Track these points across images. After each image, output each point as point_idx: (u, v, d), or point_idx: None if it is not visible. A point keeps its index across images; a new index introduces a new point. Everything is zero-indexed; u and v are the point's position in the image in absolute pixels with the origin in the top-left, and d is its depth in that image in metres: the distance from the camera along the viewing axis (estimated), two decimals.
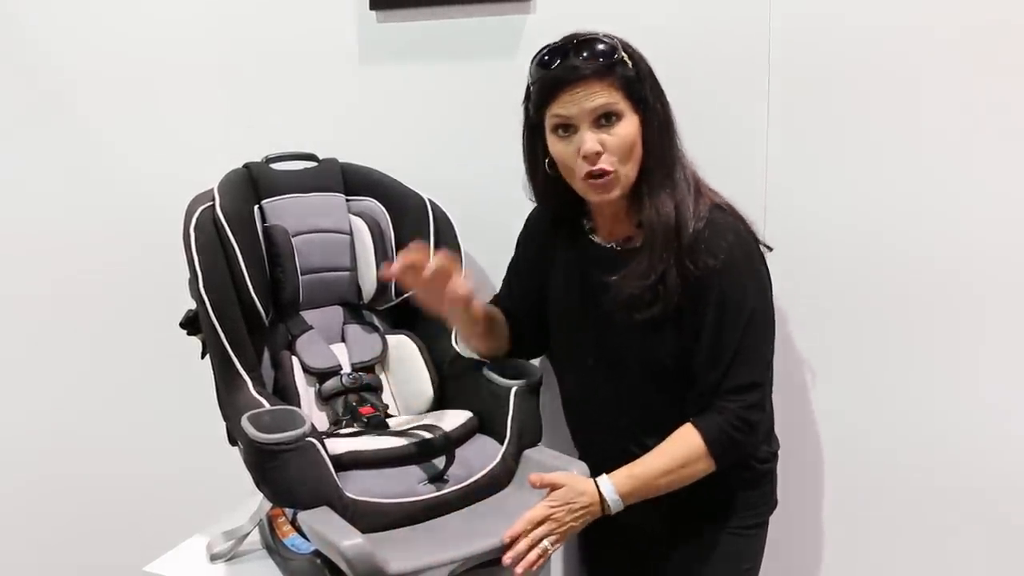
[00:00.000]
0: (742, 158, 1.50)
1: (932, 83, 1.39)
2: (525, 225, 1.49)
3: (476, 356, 1.48)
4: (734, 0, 1.47)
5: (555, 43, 1.25)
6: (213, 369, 1.37)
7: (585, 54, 1.21)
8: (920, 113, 1.40)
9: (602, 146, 1.22)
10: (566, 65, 1.22)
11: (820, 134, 1.47)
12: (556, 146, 1.27)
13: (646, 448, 1.29)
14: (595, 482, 1.25)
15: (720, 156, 1.41)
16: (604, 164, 1.23)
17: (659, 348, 1.30)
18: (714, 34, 1.49)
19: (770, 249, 1.34)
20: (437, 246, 1.55)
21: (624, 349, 1.33)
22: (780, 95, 1.47)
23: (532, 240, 1.48)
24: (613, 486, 1.25)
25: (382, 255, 1.57)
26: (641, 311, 1.27)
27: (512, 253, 1.52)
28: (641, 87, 1.24)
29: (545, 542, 1.21)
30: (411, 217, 1.58)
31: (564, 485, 1.24)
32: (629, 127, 1.23)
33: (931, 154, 1.41)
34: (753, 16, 1.46)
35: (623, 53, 1.23)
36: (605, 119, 1.22)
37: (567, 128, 1.24)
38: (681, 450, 1.26)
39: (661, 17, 1.51)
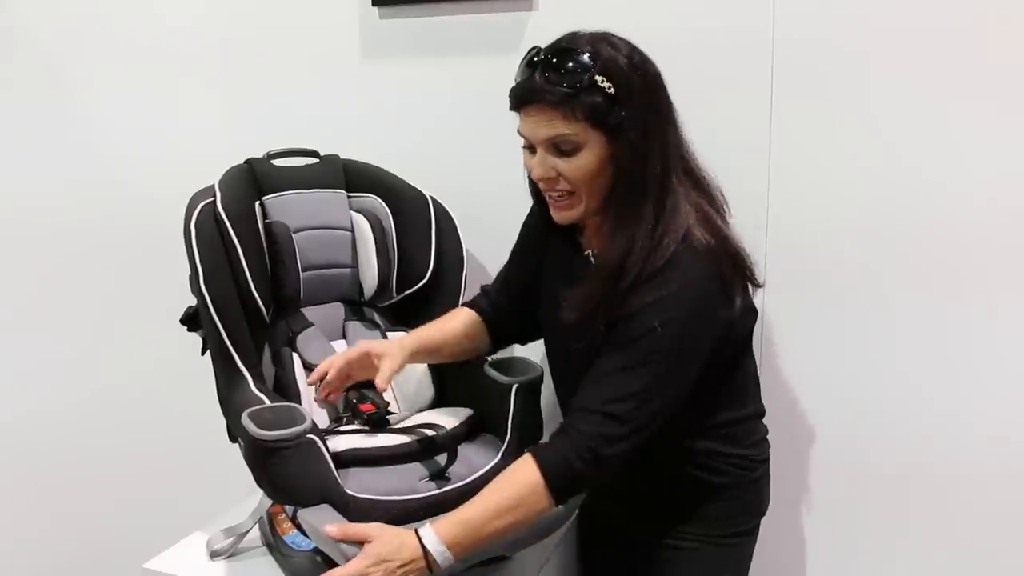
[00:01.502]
0: (745, 156, 1.50)
1: (938, 78, 1.39)
2: (531, 213, 1.43)
3: None
4: None
5: (537, 50, 1.17)
6: (213, 365, 1.36)
7: (551, 75, 1.12)
8: (924, 109, 1.40)
9: (556, 171, 1.16)
10: (529, 85, 1.14)
11: (824, 132, 1.46)
12: (525, 156, 1.22)
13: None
14: (416, 533, 1.11)
15: (722, 155, 1.40)
16: (561, 187, 1.18)
17: None
18: (717, 30, 1.49)
19: (758, 285, 1.26)
20: (439, 243, 1.55)
21: (577, 371, 1.22)
22: (784, 89, 1.47)
23: (533, 229, 1.43)
24: (437, 537, 1.10)
25: (384, 252, 1.57)
26: (574, 340, 1.21)
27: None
28: (612, 113, 1.12)
29: None
30: (413, 214, 1.58)
31: (373, 538, 1.11)
32: (588, 158, 1.14)
33: (935, 150, 1.40)
34: (757, 8, 1.46)
35: (598, 76, 1.11)
36: (562, 146, 1.15)
37: (530, 145, 1.19)
38: (514, 488, 1.14)
39: (663, 12, 1.51)
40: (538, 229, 1.39)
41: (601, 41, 1.15)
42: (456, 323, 1.43)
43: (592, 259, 1.27)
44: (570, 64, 1.12)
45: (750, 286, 1.25)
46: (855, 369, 1.51)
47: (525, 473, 1.14)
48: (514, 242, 1.49)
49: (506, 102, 1.25)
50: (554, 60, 1.13)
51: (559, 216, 1.22)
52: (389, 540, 1.11)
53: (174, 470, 2.10)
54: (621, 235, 1.16)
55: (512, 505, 1.13)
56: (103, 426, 2.17)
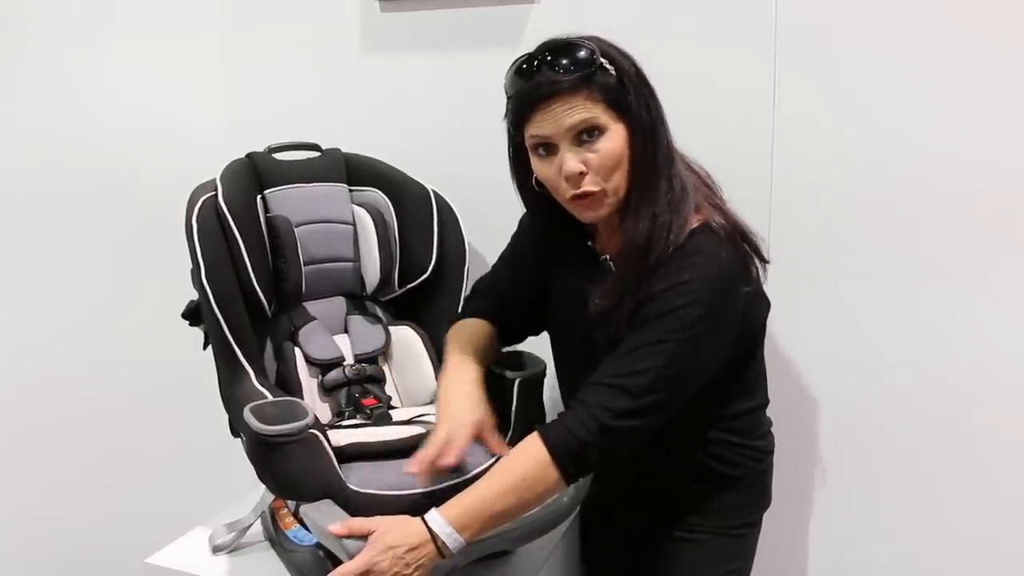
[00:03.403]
0: (747, 151, 1.49)
1: (942, 69, 1.38)
2: (535, 217, 1.39)
3: None
4: None
5: (527, 54, 1.16)
6: (215, 360, 1.36)
7: (559, 65, 1.11)
8: (925, 95, 1.39)
9: (585, 165, 1.13)
10: (539, 80, 1.12)
11: (826, 126, 1.45)
12: (538, 166, 1.18)
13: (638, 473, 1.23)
14: (424, 519, 1.11)
15: (724, 148, 1.40)
16: (588, 185, 1.14)
17: None
18: (717, 21, 1.48)
19: (766, 261, 1.24)
20: (441, 236, 1.55)
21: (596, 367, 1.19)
22: (786, 83, 1.46)
23: (530, 247, 1.40)
24: (443, 519, 1.10)
25: (385, 246, 1.56)
26: (599, 330, 1.18)
27: None
28: (624, 93, 1.13)
29: None
30: (415, 208, 1.58)
31: (376, 530, 1.11)
32: (614, 140, 1.13)
33: (936, 141, 1.40)
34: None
35: (602, 59, 1.12)
36: (587, 135, 1.13)
37: (547, 147, 1.15)
38: (520, 466, 1.13)
39: (664, 5, 1.50)
40: (539, 246, 1.37)
41: (582, 39, 1.15)
42: (485, 338, 1.39)
43: (610, 263, 1.25)
44: (571, 52, 1.13)
45: (759, 263, 1.24)
46: (848, 367, 1.51)
47: (531, 450, 1.14)
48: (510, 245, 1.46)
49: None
50: (556, 52, 1.13)
51: (588, 214, 1.19)
52: (394, 528, 1.10)
53: (176, 465, 2.10)
54: (643, 214, 1.15)
55: (518, 483, 1.11)
56: (104, 421, 2.16)
